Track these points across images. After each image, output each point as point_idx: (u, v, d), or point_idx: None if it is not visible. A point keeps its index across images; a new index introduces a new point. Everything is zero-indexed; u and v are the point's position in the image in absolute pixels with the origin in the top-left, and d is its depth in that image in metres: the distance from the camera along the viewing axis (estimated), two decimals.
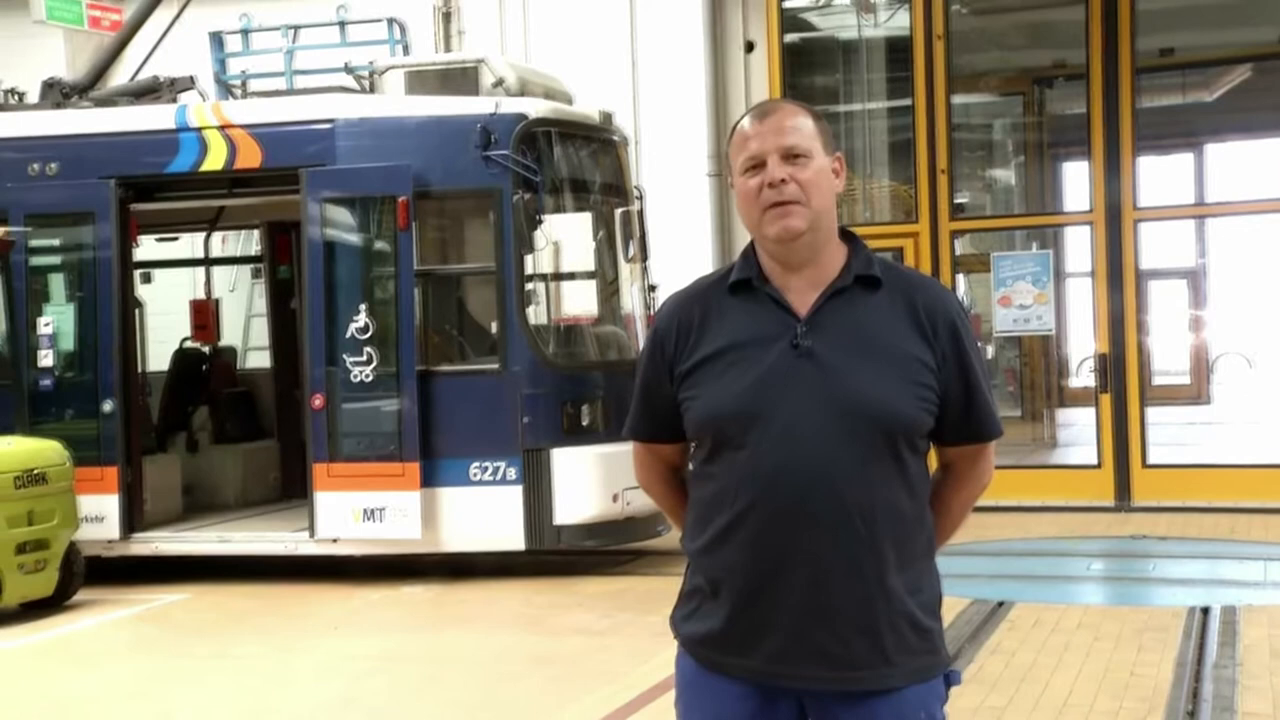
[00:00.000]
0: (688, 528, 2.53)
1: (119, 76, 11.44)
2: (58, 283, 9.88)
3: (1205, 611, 7.13)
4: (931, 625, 2.44)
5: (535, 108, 9.04)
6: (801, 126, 2.43)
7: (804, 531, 2.34)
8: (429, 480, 8.77)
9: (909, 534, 2.41)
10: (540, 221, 8.80)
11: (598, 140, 9.57)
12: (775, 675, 2.39)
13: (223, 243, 12.63)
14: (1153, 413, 11.66)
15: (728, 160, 2.52)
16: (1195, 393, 19.86)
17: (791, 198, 2.39)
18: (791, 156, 2.41)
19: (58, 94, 10.15)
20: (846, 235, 2.51)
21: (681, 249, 11.03)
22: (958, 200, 12.61)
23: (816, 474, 2.34)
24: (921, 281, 2.54)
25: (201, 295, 11.94)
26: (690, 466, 2.56)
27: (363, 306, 8.93)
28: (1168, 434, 13.30)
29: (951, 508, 2.56)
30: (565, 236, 8.86)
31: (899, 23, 12.59)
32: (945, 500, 2.54)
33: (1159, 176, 16.35)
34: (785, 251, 2.44)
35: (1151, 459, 11.29)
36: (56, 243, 9.90)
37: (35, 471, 8.28)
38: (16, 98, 10.43)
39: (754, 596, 2.38)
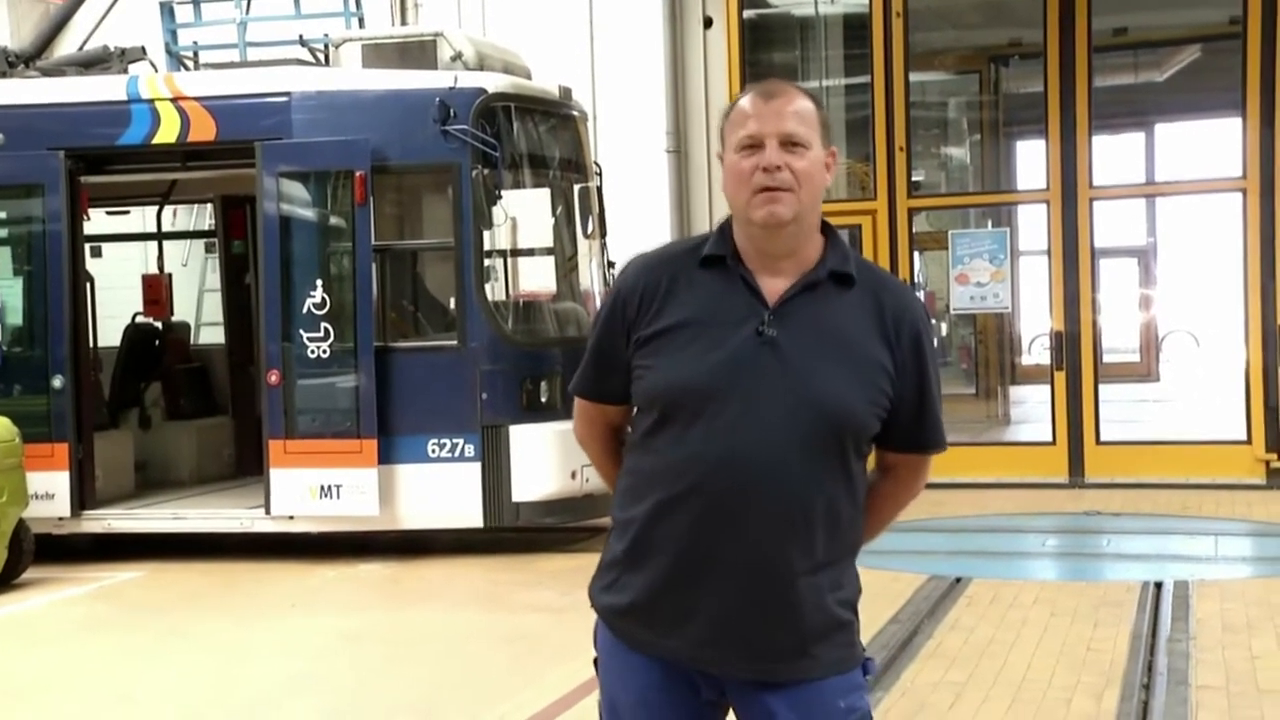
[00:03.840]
0: (619, 495, 2.50)
1: (66, 46, 11.23)
2: (5, 256, 9.71)
3: (1158, 586, 7.22)
4: (850, 619, 2.45)
5: (494, 82, 8.97)
6: (804, 114, 2.40)
7: (740, 520, 2.33)
8: (386, 457, 8.71)
9: (841, 533, 2.41)
10: (499, 197, 8.74)
11: (557, 115, 9.51)
12: (695, 660, 2.39)
13: (174, 217, 12.46)
14: (1103, 390, 11.79)
15: (721, 133, 2.46)
16: (1144, 370, 20.11)
17: (784, 185, 2.36)
18: (791, 144, 2.37)
19: (3, 62, 9.95)
20: (824, 228, 2.48)
21: (639, 225, 10.99)
22: (914, 178, 12.65)
23: (762, 465, 2.32)
24: (892, 285, 2.51)
25: (154, 270, 11.77)
26: (630, 432, 2.52)
27: (319, 282, 8.84)
28: (1118, 411, 13.45)
29: (882, 510, 2.56)
30: (524, 212, 8.81)
31: (857, 0, 12.59)
32: (877, 503, 2.53)
33: (1110, 155, 16.48)
34: (766, 237, 2.40)
35: (1104, 436, 11.42)
36: (3, 215, 9.72)
37: None
38: None
39: (679, 578, 2.37)
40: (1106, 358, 16.89)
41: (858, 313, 2.41)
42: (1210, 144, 17.23)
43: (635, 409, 2.49)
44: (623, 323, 2.46)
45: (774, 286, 2.41)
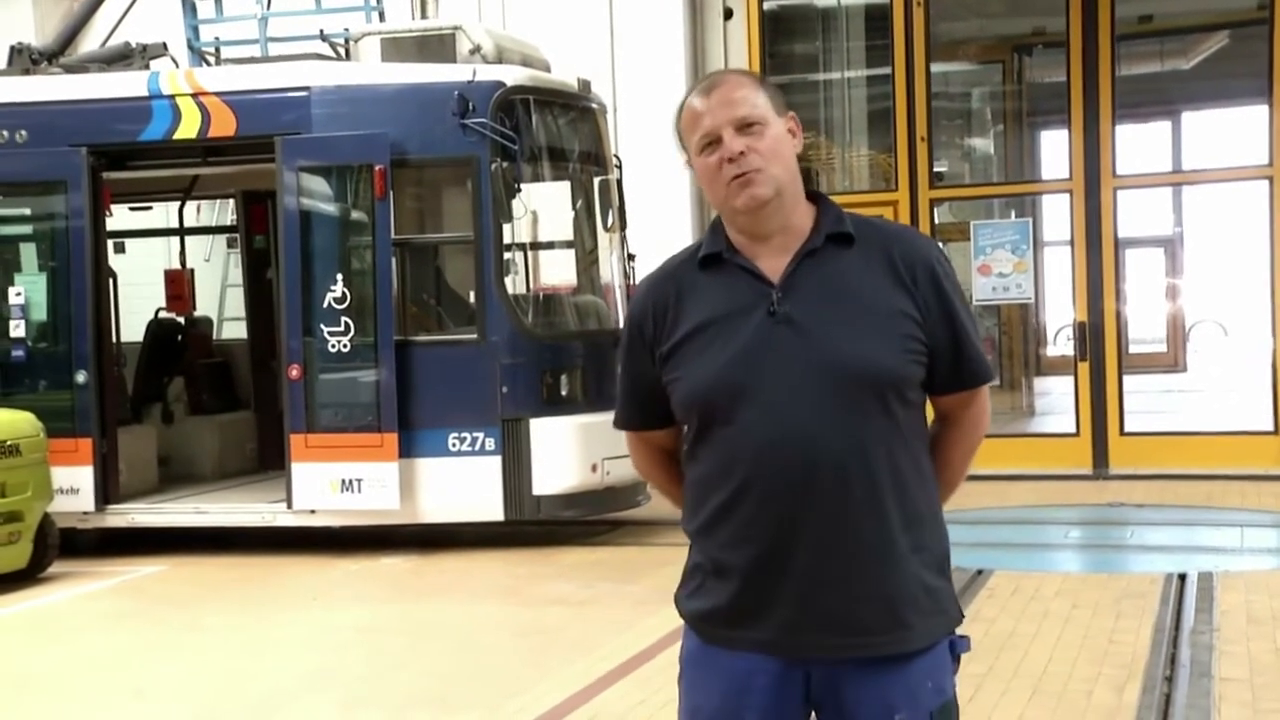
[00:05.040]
0: (685, 509, 2.49)
1: (89, 43, 11.29)
2: (29, 252, 9.77)
3: (1182, 578, 7.16)
4: (938, 584, 2.39)
5: (513, 75, 8.96)
6: (750, 95, 2.38)
7: (802, 500, 2.30)
8: (407, 451, 8.73)
9: (909, 491, 2.36)
10: (518, 190, 8.74)
11: (576, 108, 9.49)
12: (786, 646, 2.35)
13: (197, 212, 12.51)
14: (1129, 380, 11.70)
15: (680, 140, 2.45)
16: (1171, 360, 19.96)
17: (753, 167, 2.35)
18: (746, 126, 2.36)
19: (26, 60, 10.01)
20: (813, 196, 2.46)
21: (660, 218, 10.98)
22: (937, 169, 12.58)
23: (808, 441, 2.30)
24: (898, 232, 2.48)
25: (176, 265, 11.83)
26: (684, 448, 2.51)
27: (340, 276, 8.87)
28: (1144, 401, 13.35)
29: (952, 459, 2.51)
30: (544, 205, 8.82)
31: None
32: (945, 452, 2.49)
33: (1136, 144, 16.35)
34: (755, 221, 2.39)
35: (1128, 427, 11.33)
36: (27, 212, 9.79)
37: (8, 443, 8.20)
38: None
39: (759, 571, 2.34)
40: (1134, 348, 16.80)
41: (866, 268, 2.38)
42: (1237, 132, 17.08)
43: (680, 423, 2.48)
44: (644, 345, 2.46)
45: (775, 265, 2.39)
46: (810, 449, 2.29)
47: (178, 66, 9.92)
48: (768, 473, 2.31)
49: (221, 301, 12.44)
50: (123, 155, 9.53)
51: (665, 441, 2.57)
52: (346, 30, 9.75)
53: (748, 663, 2.38)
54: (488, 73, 8.88)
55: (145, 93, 9.25)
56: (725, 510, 2.36)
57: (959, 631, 2.44)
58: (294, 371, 8.88)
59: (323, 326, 8.83)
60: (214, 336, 11.90)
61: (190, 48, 10.40)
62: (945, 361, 2.41)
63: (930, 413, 2.50)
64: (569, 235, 9.18)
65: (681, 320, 2.40)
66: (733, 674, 2.39)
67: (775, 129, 2.39)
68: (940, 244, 12.51)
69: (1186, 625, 6.25)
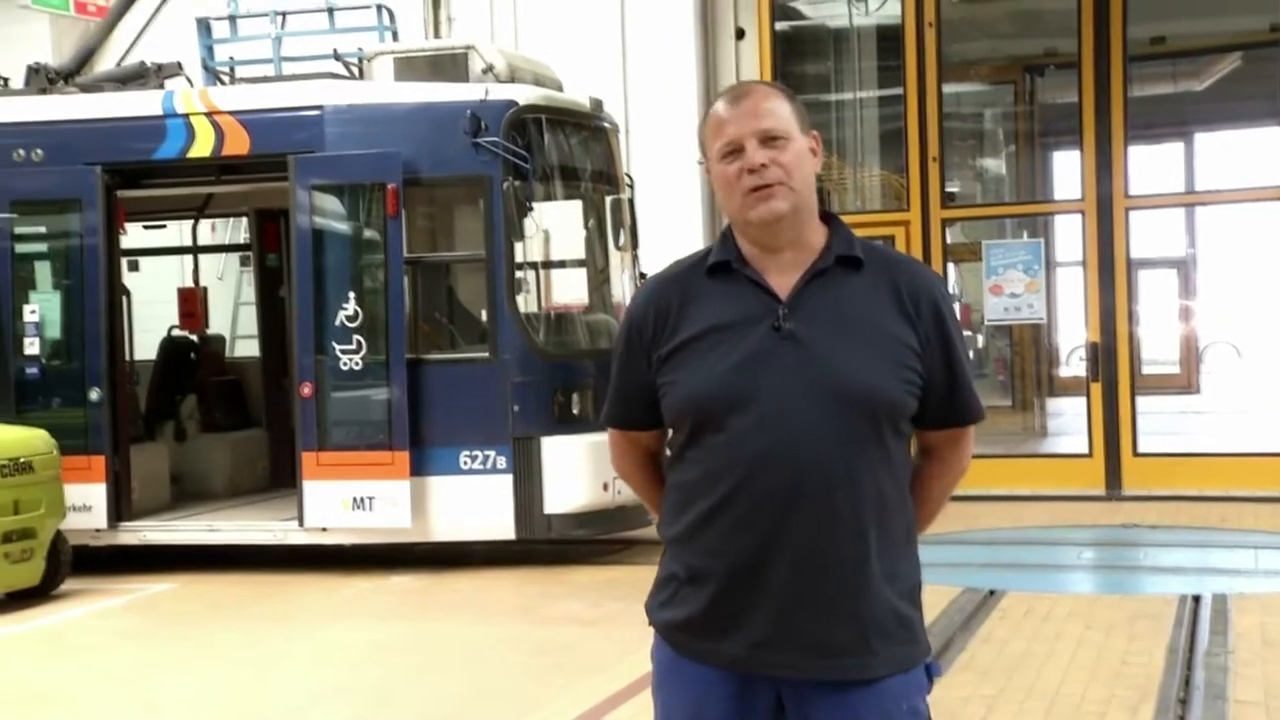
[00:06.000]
0: (664, 513, 2.49)
1: (105, 62, 11.35)
2: (44, 270, 9.80)
3: (1197, 599, 7.12)
4: (910, 613, 2.40)
5: (525, 94, 8.99)
6: (777, 108, 2.40)
7: (788, 516, 2.31)
8: (419, 469, 8.73)
9: (891, 519, 2.38)
10: (530, 209, 8.75)
11: (588, 127, 9.52)
12: (755, 663, 2.36)
13: (211, 230, 12.56)
14: (1142, 402, 11.67)
15: (702, 145, 2.47)
16: (1185, 382, 19.89)
17: (773, 180, 2.36)
18: (770, 139, 2.37)
19: (43, 79, 10.07)
20: (826, 217, 2.47)
21: (672, 237, 10.97)
22: (949, 189, 12.59)
23: (802, 458, 2.30)
24: (904, 262, 2.50)
25: (189, 283, 11.87)
26: (667, 451, 2.51)
27: (352, 294, 8.88)
28: (1158, 423, 13.30)
29: (932, 493, 2.53)
30: (556, 224, 8.83)
31: (890, 11, 12.56)
32: (926, 486, 2.51)
33: (1149, 165, 16.35)
34: (768, 234, 2.40)
35: (1142, 448, 11.30)
36: (42, 229, 9.83)
37: (21, 460, 8.22)
38: (2, 83, 10.35)
39: (736, 582, 2.34)
40: (1147, 369, 16.75)
41: (873, 294, 2.39)
42: (1251, 153, 17.05)
43: (668, 426, 2.48)
44: (640, 347, 2.46)
45: (784, 281, 2.40)
46: (801, 465, 2.30)
47: (192, 86, 9.97)
48: (756, 484, 2.31)
49: (234, 319, 12.48)
50: (137, 173, 9.59)
51: (650, 443, 2.57)
52: (360, 50, 9.79)
53: (718, 676, 2.38)
54: (500, 92, 8.91)
55: (160, 112, 9.30)
56: (708, 518, 2.36)
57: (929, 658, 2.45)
58: (306, 389, 8.89)
59: (335, 344, 8.84)
60: (226, 354, 11.93)
61: (205, 67, 10.44)
62: (939, 396, 2.42)
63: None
64: (581, 254, 9.18)
65: (683, 325, 2.41)
66: (703, 685, 2.40)
67: (798, 145, 2.40)
68: (951, 264, 12.53)
69: (1201, 647, 6.21)
